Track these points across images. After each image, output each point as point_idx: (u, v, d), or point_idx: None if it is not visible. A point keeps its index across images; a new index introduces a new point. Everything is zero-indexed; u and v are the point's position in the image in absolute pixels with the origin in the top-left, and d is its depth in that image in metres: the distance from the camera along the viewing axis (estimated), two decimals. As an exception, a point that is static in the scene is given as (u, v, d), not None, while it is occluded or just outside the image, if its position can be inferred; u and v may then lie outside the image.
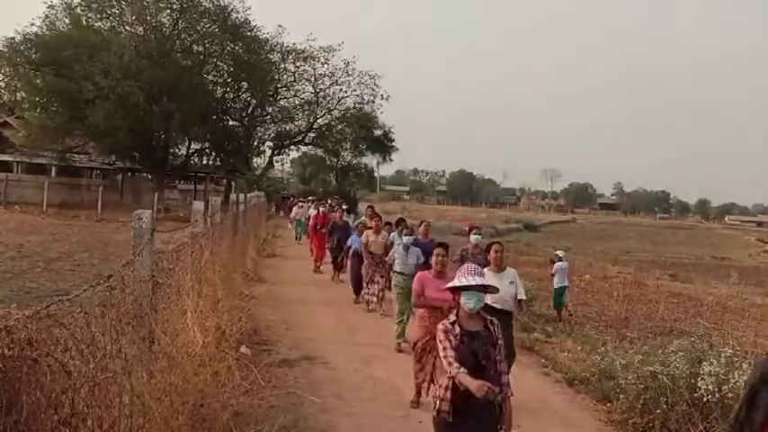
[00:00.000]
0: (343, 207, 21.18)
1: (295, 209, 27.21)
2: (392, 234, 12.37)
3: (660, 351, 8.53)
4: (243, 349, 8.04)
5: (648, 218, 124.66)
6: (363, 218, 16.57)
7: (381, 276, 12.01)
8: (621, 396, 7.18)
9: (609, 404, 7.48)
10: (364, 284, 12.46)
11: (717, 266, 40.18)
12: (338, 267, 16.11)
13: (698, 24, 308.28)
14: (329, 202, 26.29)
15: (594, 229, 79.21)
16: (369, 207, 19.06)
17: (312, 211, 21.81)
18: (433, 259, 7.46)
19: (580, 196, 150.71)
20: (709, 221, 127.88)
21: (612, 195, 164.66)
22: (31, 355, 2.87)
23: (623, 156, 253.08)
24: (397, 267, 9.95)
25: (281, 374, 7.83)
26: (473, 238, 10.47)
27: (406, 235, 10.55)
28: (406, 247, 10.10)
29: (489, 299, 6.49)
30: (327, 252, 17.39)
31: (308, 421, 6.44)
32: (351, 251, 13.86)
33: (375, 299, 12.17)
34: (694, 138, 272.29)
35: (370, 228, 13.12)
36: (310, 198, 33.16)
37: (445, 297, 5.19)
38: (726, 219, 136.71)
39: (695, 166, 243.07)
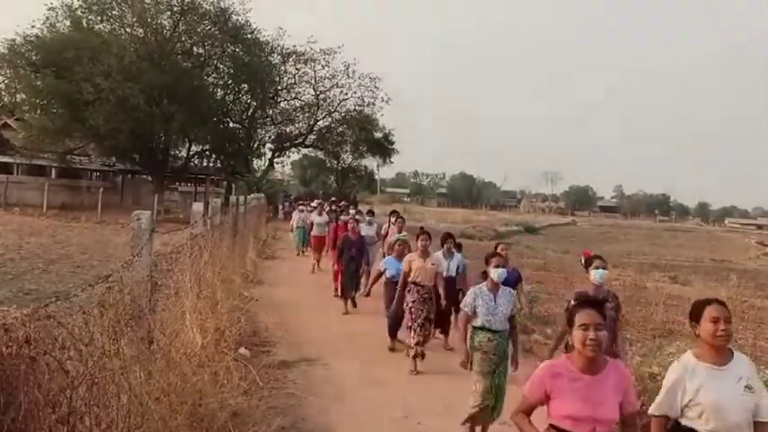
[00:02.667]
0: (354, 214, 16.68)
1: (296, 214, 22.74)
2: (435, 254, 9.59)
3: (659, 353, 8.55)
4: (242, 350, 8.04)
5: (648, 221, 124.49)
6: (402, 234, 11.69)
7: (429, 319, 8.91)
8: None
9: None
10: (407, 327, 8.98)
11: (716, 269, 40.10)
12: (350, 297, 12.55)
13: (699, 27, 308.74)
14: (333, 207, 22.62)
15: (594, 232, 79.11)
16: (392, 213, 14.93)
17: (316, 217, 18.65)
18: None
19: (580, 199, 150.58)
20: (708, 224, 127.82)
21: (612, 198, 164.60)
22: (29, 354, 2.88)
23: (623, 159, 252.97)
24: (479, 320, 6.46)
25: (280, 375, 7.83)
26: (595, 275, 6.47)
27: (496, 266, 6.57)
28: (495, 286, 6.54)
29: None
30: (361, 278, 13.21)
31: (306, 422, 6.44)
32: (383, 276, 10.45)
33: (419, 349, 8.68)
34: (694, 141, 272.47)
35: (398, 243, 10.49)
36: (316, 202, 26.69)
37: None
38: (726, 222, 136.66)
39: (695, 170, 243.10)
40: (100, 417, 3.61)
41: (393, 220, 14.05)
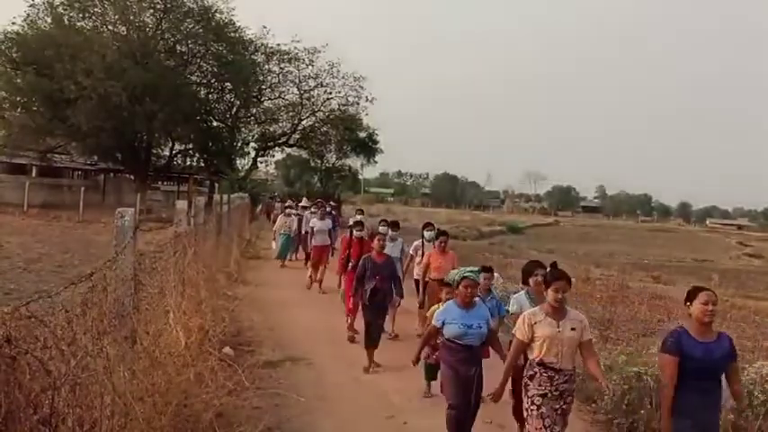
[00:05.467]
0: (380, 228, 11.43)
1: (281, 218, 19.33)
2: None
3: (644, 352, 8.59)
4: (226, 350, 8.00)
5: (631, 221, 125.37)
6: (469, 268, 6.40)
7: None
8: (606, 397, 7.20)
9: (593, 404, 7.49)
10: None
11: (698, 269, 40.55)
12: (374, 345, 8.83)
13: (681, 28, 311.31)
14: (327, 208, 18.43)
15: (577, 232, 79.67)
16: (428, 225, 11.29)
17: (317, 222, 15.49)
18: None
19: (563, 199, 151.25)
20: (690, 224, 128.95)
21: (595, 198, 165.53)
22: (10, 353, 2.82)
23: (606, 159, 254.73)
24: None
25: (265, 375, 7.77)
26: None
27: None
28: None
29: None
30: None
31: (291, 422, 6.40)
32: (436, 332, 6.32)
33: None
34: (676, 141, 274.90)
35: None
36: (306, 201, 23.66)
37: None
38: (707, 222, 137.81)
39: (677, 170, 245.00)
40: (83, 418, 3.55)
41: (429, 235, 10.87)
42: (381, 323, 9.18)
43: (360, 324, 9.58)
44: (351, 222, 13.45)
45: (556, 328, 5.17)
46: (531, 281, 6.36)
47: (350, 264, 10.79)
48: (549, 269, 5.60)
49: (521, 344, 5.34)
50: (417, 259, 10.79)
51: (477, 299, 6.23)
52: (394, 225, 11.86)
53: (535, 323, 5.23)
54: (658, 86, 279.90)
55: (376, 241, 9.49)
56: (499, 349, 6.18)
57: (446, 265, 9.30)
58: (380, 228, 11.52)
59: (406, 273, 11.08)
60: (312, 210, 18.00)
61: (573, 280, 6.18)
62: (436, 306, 6.89)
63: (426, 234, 10.94)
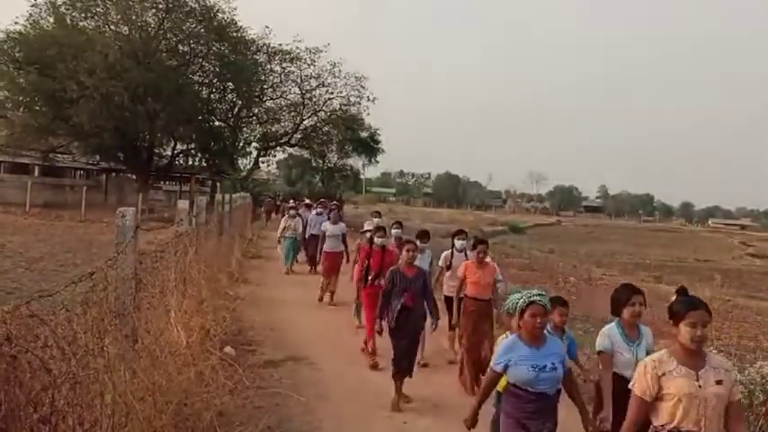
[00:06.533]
0: (393, 231, 11.27)
1: (284, 220, 17.76)
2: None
3: (645, 352, 8.55)
4: (227, 349, 8.00)
5: (633, 221, 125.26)
6: (535, 292, 4.74)
7: None
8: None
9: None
10: None
11: (700, 269, 40.47)
12: (404, 376, 7.48)
13: (685, 27, 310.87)
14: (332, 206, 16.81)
15: (579, 232, 79.59)
16: (459, 233, 10.11)
17: (329, 226, 13.93)
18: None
19: (565, 199, 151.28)
20: (692, 224, 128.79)
21: (597, 198, 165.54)
22: (10, 352, 2.83)
23: (608, 159, 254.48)
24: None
25: (266, 375, 7.78)
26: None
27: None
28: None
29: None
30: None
31: (292, 422, 6.40)
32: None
33: None
34: (679, 142, 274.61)
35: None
36: (307, 202, 21.98)
37: None
38: (709, 222, 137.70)
39: (679, 170, 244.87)
40: (83, 416, 3.55)
41: (461, 244, 9.67)
42: (414, 348, 7.70)
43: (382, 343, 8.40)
44: (366, 226, 11.87)
45: (694, 380, 3.70)
46: (625, 311, 5.14)
47: (370, 277, 9.44)
48: (677, 295, 4.25)
49: (641, 403, 3.83)
50: (447, 273, 9.49)
51: (546, 331, 4.77)
52: (423, 236, 10.17)
53: (663, 374, 3.75)
54: (659, 86, 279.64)
55: (405, 252, 7.88)
56: (577, 396, 4.78)
57: (485, 279, 8.24)
58: (393, 231, 10.87)
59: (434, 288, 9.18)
60: (318, 210, 17.06)
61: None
62: (504, 335, 5.27)
63: (458, 243, 9.66)
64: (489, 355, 6.50)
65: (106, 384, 3.91)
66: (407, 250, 7.85)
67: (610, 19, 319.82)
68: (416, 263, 8.17)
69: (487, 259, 8.54)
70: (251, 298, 12.50)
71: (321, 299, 13.33)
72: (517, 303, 4.64)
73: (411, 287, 7.59)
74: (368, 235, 10.09)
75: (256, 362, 8.09)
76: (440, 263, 9.74)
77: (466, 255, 9.25)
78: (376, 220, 13.00)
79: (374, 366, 8.65)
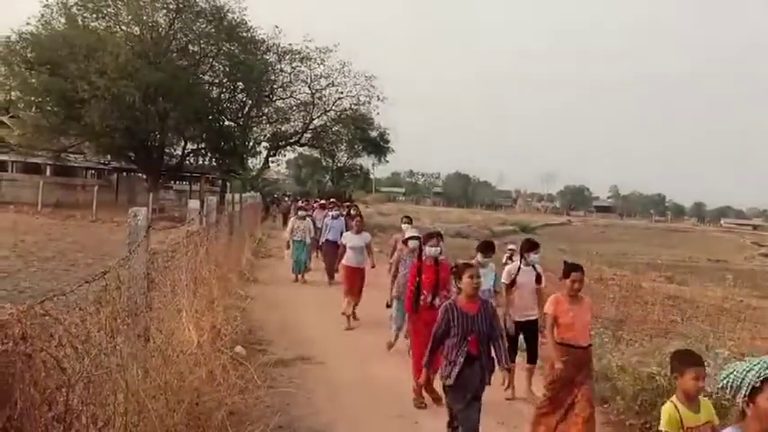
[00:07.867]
0: (403, 225, 11.01)
1: (292, 221, 16.30)
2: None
3: (657, 352, 8.53)
4: (238, 349, 8.01)
5: (644, 221, 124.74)
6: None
7: None
8: (618, 397, 7.17)
9: (606, 405, 7.45)
10: None
11: (712, 269, 40.25)
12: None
13: (695, 27, 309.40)
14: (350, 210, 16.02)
15: (590, 232, 79.37)
16: (536, 249, 7.88)
17: (352, 237, 12.00)
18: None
19: (576, 199, 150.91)
20: (704, 224, 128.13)
21: (608, 198, 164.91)
22: (25, 351, 2.84)
23: (619, 159, 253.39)
24: None
25: (277, 374, 7.78)
26: None
27: None
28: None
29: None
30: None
31: (302, 421, 6.40)
32: None
33: None
34: (691, 141, 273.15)
35: None
36: (321, 201, 20.98)
37: None
38: (721, 222, 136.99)
39: (691, 170, 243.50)
40: (96, 415, 3.57)
41: (536, 258, 7.78)
42: (476, 417, 5.52)
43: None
44: (408, 233, 9.30)
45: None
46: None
47: (422, 298, 7.54)
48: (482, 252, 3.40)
49: None
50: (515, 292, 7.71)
51: None
52: (486, 249, 8.21)
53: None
54: (672, 87, 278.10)
55: (467, 278, 5.66)
56: None
57: (582, 319, 6.06)
58: (403, 225, 9.50)
59: None
60: (334, 213, 15.82)
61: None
62: (672, 407, 4.11)
63: (533, 257, 7.71)
64: (586, 406, 5.78)
65: (119, 383, 3.93)
66: (469, 276, 5.67)
67: (623, 21, 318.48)
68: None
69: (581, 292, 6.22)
70: (261, 297, 12.55)
71: (348, 316, 11.23)
72: (743, 379, 2.58)
73: (475, 328, 5.55)
74: (412, 243, 8.54)
75: (267, 361, 8.08)
76: (503, 279, 7.83)
77: (535, 269, 7.74)
78: (405, 226, 11.10)
79: (420, 405, 7.14)
